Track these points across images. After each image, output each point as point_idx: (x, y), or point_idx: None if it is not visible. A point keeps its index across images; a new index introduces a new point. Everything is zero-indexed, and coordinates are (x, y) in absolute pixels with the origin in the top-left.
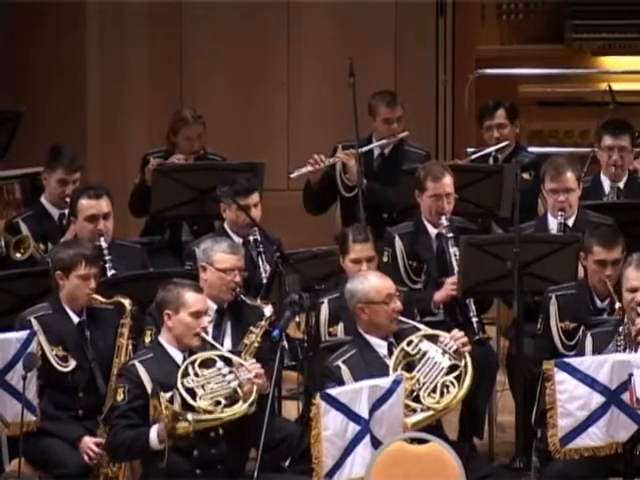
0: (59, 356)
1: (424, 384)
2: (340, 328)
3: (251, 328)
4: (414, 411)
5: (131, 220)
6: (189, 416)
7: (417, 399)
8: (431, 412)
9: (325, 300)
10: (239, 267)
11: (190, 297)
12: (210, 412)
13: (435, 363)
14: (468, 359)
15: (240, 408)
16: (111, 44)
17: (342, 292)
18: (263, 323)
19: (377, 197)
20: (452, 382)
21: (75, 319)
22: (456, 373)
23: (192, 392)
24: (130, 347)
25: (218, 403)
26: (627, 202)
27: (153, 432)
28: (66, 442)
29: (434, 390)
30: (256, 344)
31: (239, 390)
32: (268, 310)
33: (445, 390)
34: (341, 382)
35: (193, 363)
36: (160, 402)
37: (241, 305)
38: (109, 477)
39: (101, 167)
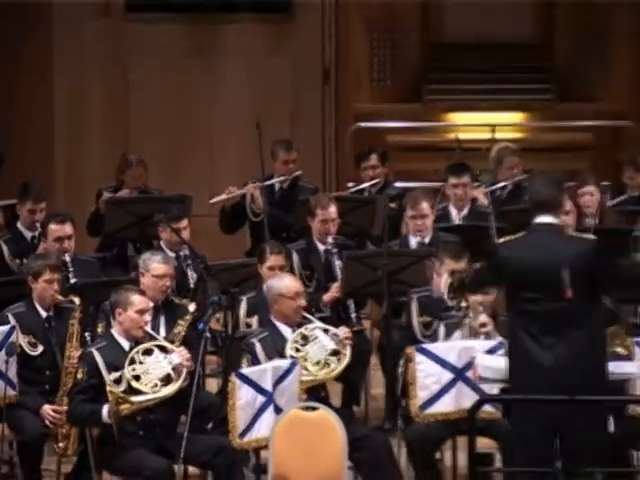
0: (30, 343)
1: (311, 357)
2: (255, 319)
3: (179, 321)
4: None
5: (88, 239)
6: (132, 398)
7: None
8: (313, 377)
9: (244, 298)
10: (170, 274)
11: (136, 299)
12: (149, 392)
13: (323, 345)
14: (349, 349)
15: (173, 388)
16: (74, 99)
17: (258, 292)
18: (188, 317)
19: (278, 221)
20: (333, 361)
21: (43, 314)
22: (338, 357)
23: (136, 377)
24: (78, 334)
25: (155, 385)
26: (469, 225)
27: (104, 410)
28: (31, 411)
29: (318, 363)
30: (183, 333)
31: (172, 373)
32: (192, 307)
33: (326, 365)
34: (254, 355)
35: (138, 352)
36: (107, 388)
37: (171, 303)
38: (64, 434)
39: (66, 198)
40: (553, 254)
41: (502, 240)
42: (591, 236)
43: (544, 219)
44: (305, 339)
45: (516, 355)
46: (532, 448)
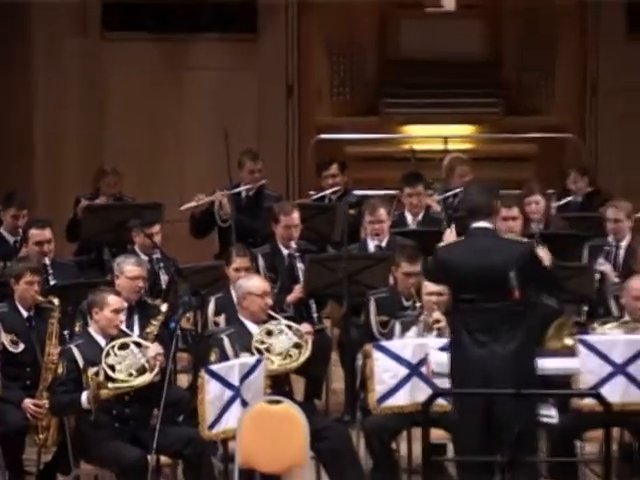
0: (12, 341)
1: (275, 349)
2: (222, 318)
3: (152, 320)
4: None
5: (67, 244)
6: (110, 385)
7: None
8: (276, 367)
9: (213, 298)
10: (143, 276)
11: (111, 299)
12: (125, 381)
13: (286, 338)
14: (310, 344)
15: (147, 377)
16: (53, 113)
17: (225, 293)
18: (160, 316)
19: (245, 226)
20: (295, 353)
21: (25, 314)
22: (299, 350)
23: (112, 367)
24: (57, 332)
25: (131, 374)
26: (424, 230)
27: (84, 397)
28: (13, 405)
29: (280, 354)
30: (155, 332)
31: (146, 365)
32: (164, 307)
33: (288, 356)
34: (223, 349)
35: (113, 347)
36: (88, 375)
37: (145, 304)
38: (44, 427)
39: (46, 205)
40: (496, 256)
41: (442, 244)
42: (525, 239)
43: (480, 224)
44: (270, 334)
45: (454, 351)
46: (478, 440)
